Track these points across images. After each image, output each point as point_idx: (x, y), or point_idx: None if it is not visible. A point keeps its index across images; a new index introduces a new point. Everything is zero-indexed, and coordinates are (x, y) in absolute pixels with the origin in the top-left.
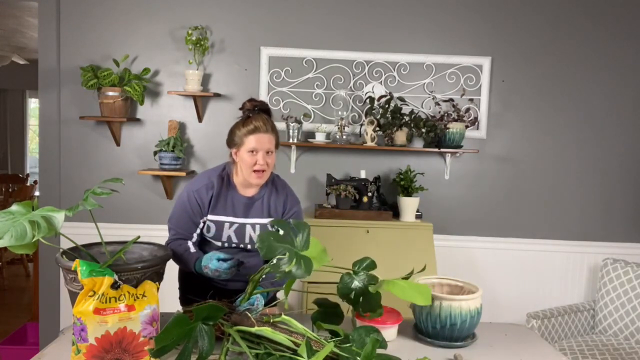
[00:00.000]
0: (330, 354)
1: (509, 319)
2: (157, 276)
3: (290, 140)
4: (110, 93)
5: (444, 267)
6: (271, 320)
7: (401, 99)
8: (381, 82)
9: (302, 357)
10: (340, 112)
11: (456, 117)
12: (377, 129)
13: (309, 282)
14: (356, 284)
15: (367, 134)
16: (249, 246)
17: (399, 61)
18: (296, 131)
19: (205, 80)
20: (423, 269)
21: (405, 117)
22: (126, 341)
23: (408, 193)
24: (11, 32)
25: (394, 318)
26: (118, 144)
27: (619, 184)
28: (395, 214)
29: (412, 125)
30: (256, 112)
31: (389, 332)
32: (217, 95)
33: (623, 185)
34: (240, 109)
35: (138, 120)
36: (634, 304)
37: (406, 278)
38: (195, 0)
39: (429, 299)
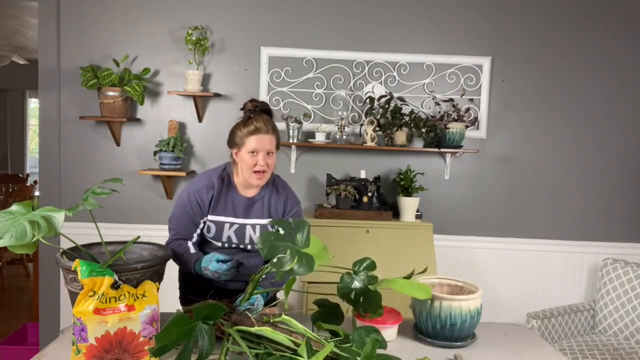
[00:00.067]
0: (330, 354)
1: (509, 319)
2: (157, 276)
3: (290, 140)
4: (110, 93)
5: (444, 267)
6: (271, 320)
7: (401, 99)
8: (381, 82)
9: (302, 357)
10: (340, 112)
11: (456, 117)
12: (377, 129)
13: (309, 282)
14: (356, 284)
15: (367, 134)
16: (249, 247)
17: (399, 61)
18: (296, 131)
19: (205, 80)
20: (424, 271)
21: (405, 117)
22: (126, 341)
23: (408, 193)
24: (11, 32)
25: (394, 318)
26: (118, 144)
27: (619, 184)
28: (395, 214)
29: (412, 125)
30: (257, 113)
31: (389, 332)
32: (217, 95)
33: (623, 185)
34: (242, 109)
35: (138, 120)
36: (634, 304)
37: (407, 278)
38: (195, 0)
39: (429, 293)
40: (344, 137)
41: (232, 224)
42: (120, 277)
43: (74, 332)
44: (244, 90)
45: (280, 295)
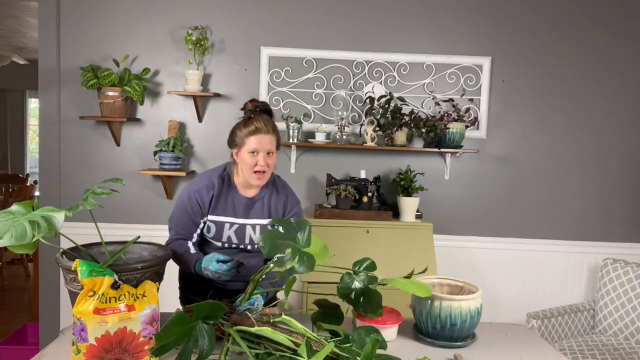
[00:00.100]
0: (330, 354)
1: (509, 319)
2: (157, 276)
3: (290, 140)
4: (110, 93)
5: (444, 267)
6: (271, 320)
7: (401, 99)
8: (381, 82)
9: (302, 357)
10: (340, 112)
11: (456, 117)
12: (377, 129)
13: (309, 282)
14: (356, 284)
15: (367, 134)
16: (249, 247)
17: (399, 61)
18: (296, 131)
19: (205, 80)
20: (424, 271)
21: (405, 117)
22: (126, 341)
23: (408, 193)
24: (11, 32)
25: (394, 318)
26: (118, 144)
27: (619, 184)
28: (395, 214)
29: (412, 125)
30: (257, 113)
31: (389, 332)
32: (217, 95)
33: (623, 186)
34: (242, 109)
35: (138, 120)
36: (634, 304)
37: (407, 278)
38: (195, 0)
39: (428, 291)
40: (344, 137)
41: (232, 224)
42: (120, 277)
43: (74, 332)
44: (244, 90)
45: (281, 295)
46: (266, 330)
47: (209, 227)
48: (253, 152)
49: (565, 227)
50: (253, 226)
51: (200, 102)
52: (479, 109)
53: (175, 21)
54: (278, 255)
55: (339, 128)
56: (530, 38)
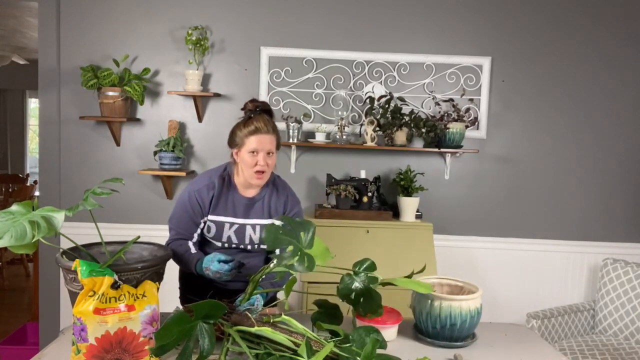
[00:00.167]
0: (330, 354)
1: (509, 319)
2: (157, 276)
3: (290, 140)
4: (110, 93)
5: (444, 267)
6: (271, 320)
7: (401, 99)
8: (381, 82)
9: (302, 357)
10: (340, 112)
11: (456, 117)
12: (377, 129)
13: (309, 282)
14: (356, 284)
15: (367, 134)
16: (249, 247)
17: (399, 61)
18: (296, 131)
19: (205, 80)
20: (422, 270)
21: (405, 117)
22: (126, 341)
23: (408, 193)
24: (11, 32)
25: (394, 318)
26: (118, 144)
27: (618, 184)
28: (395, 214)
29: (412, 125)
30: (258, 113)
31: (389, 332)
32: (217, 95)
33: (623, 185)
34: (242, 109)
35: (138, 120)
36: (634, 304)
37: (406, 278)
38: (195, 0)
39: (429, 288)
40: (344, 137)
41: (232, 224)
42: (120, 277)
43: (74, 332)
44: (244, 90)
45: (281, 295)
46: (266, 330)
47: (209, 227)
48: (253, 152)
49: (565, 227)
50: (253, 226)
51: (200, 102)
52: (479, 109)
53: (175, 21)
54: (279, 250)
55: (339, 128)
56: (530, 38)
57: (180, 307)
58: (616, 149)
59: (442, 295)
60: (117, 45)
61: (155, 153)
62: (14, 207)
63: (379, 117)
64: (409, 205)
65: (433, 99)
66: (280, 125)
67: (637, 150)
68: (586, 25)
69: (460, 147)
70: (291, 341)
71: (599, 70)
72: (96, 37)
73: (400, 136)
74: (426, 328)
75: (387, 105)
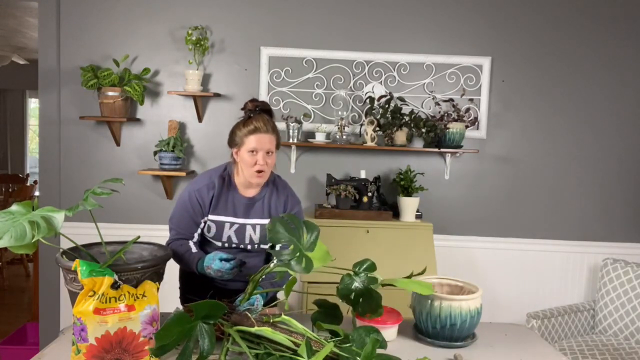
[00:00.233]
0: (330, 354)
1: (509, 319)
2: (157, 276)
3: (290, 140)
4: (110, 93)
5: (444, 267)
6: (271, 320)
7: (401, 99)
8: (381, 82)
9: (302, 357)
10: (340, 112)
11: (456, 117)
12: (377, 129)
13: (309, 282)
14: (356, 285)
15: (367, 134)
16: (249, 247)
17: (399, 61)
18: (296, 131)
19: (205, 80)
20: (423, 271)
21: (405, 117)
22: (126, 341)
23: (408, 193)
24: (11, 32)
25: (394, 318)
26: (118, 144)
27: (618, 184)
28: (395, 214)
29: (412, 125)
30: (257, 113)
31: (389, 332)
32: (217, 95)
33: (623, 185)
34: (242, 109)
35: (138, 120)
36: (634, 304)
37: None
38: (195, 0)
39: (430, 289)
40: (344, 137)
41: (232, 223)
42: (120, 277)
43: (74, 332)
44: (244, 90)
45: (281, 295)
46: (266, 330)
47: (209, 227)
48: (252, 151)
49: (565, 227)
50: (253, 226)
51: (200, 102)
52: (479, 109)
53: (175, 21)
54: (279, 247)
55: (339, 128)
56: (530, 38)
57: (181, 307)
58: (616, 149)
59: (442, 295)
60: (117, 45)
61: (155, 153)
62: (14, 207)
63: (379, 117)
64: (409, 205)
65: (433, 99)
66: (280, 125)
67: (637, 150)
68: (586, 25)
69: (460, 147)
70: (291, 341)
71: (599, 70)
72: (96, 37)
73: (400, 136)
74: (426, 328)
75: (387, 105)
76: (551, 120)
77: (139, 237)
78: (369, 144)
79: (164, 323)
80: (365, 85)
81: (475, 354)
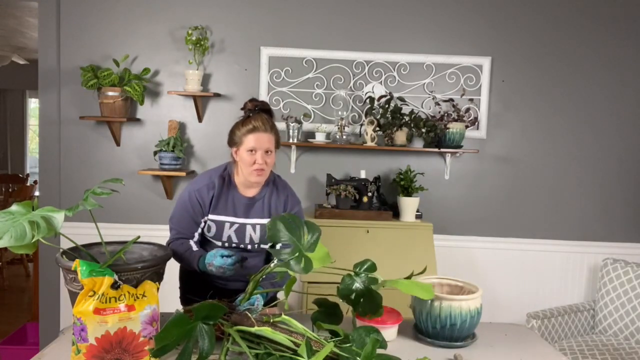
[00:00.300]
0: (330, 354)
1: (509, 319)
2: (157, 276)
3: (290, 140)
4: (110, 93)
5: (444, 267)
6: (271, 320)
7: (401, 99)
8: (381, 82)
9: (302, 357)
10: (340, 112)
11: (456, 117)
12: (377, 129)
13: (309, 282)
14: (357, 285)
15: (367, 134)
16: (249, 246)
17: (399, 61)
18: (296, 131)
19: (205, 80)
20: (423, 271)
21: (405, 117)
22: (126, 341)
23: (408, 193)
24: (11, 32)
25: (394, 318)
26: (118, 144)
27: (618, 184)
28: (395, 214)
29: (412, 125)
30: (257, 112)
31: (389, 332)
32: (217, 95)
33: (623, 185)
34: (242, 109)
35: (138, 120)
36: (634, 304)
37: (406, 279)
38: (195, 0)
39: (431, 293)
40: (344, 137)
41: (232, 223)
42: (120, 277)
43: (74, 332)
44: (244, 90)
45: (281, 295)
46: (266, 330)
47: (209, 227)
48: (251, 151)
49: (565, 227)
50: (253, 226)
51: (200, 102)
52: (479, 109)
53: (175, 21)
54: (279, 246)
55: (339, 128)
56: (530, 38)
57: (181, 307)
58: (616, 149)
59: (442, 295)
60: (117, 45)
61: (155, 153)
62: (14, 207)
63: (379, 117)
64: (409, 205)
65: (433, 99)
66: (280, 125)
67: (637, 150)
68: (586, 25)
69: (460, 147)
70: (291, 341)
71: (599, 70)
72: (96, 37)
73: (400, 136)
74: (426, 328)
75: (387, 105)
76: (551, 120)
77: (139, 237)
78: (369, 144)
79: (164, 325)
80: (365, 85)
81: (475, 354)
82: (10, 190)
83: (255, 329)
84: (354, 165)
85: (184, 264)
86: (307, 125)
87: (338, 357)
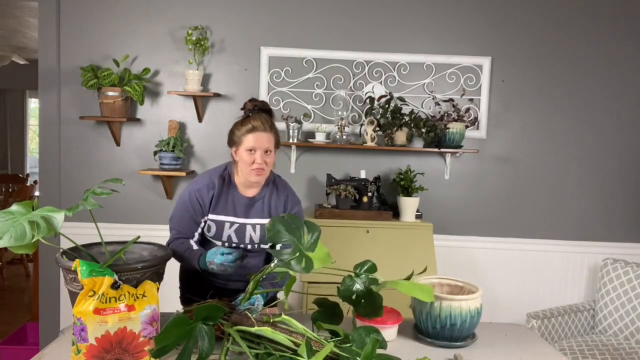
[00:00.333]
0: (330, 354)
1: (509, 319)
2: (157, 276)
3: (290, 140)
4: (110, 93)
5: (444, 267)
6: (271, 320)
7: (401, 99)
8: (381, 82)
9: (302, 357)
10: (340, 112)
11: (456, 117)
12: (377, 129)
13: (309, 282)
14: (358, 286)
15: (367, 134)
16: (249, 246)
17: (399, 61)
18: (296, 131)
19: (205, 80)
20: (424, 271)
21: (405, 117)
22: (126, 341)
23: (408, 193)
24: (11, 32)
25: (394, 318)
26: (118, 144)
27: (618, 184)
28: (395, 214)
29: (412, 125)
30: (256, 112)
31: (389, 332)
32: (217, 95)
33: (623, 185)
34: (242, 109)
35: (138, 120)
36: (634, 304)
37: (407, 279)
38: (195, 0)
39: (432, 296)
40: (344, 137)
41: (232, 223)
42: (120, 277)
43: (74, 332)
44: (244, 90)
45: (281, 295)
46: (266, 330)
47: (209, 227)
48: (251, 150)
49: (565, 227)
50: (253, 226)
51: (200, 102)
52: (479, 109)
53: (175, 21)
54: (279, 247)
55: (339, 128)
56: (530, 38)
57: (181, 307)
58: (616, 149)
59: (442, 295)
60: (117, 45)
61: (155, 153)
62: (14, 207)
63: (379, 117)
64: (409, 205)
65: (433, 99)
66: (280, 125)
67: (637, 150)
68: (586, 25)
69: (460, 147)
70: (291, 341)
71: (599, 70)
72: (96, 37)
73: (400, 136)
74: (426, 328)
75: (387, 105)
76: (551, 120)
77: (139, 237)
78: (369, 144)
79: (164, 325)
80: (365, 85)
81: (475, 354)
82: (10, 190)
83: (255, 329)
84: (354, 165)
85: (184, 264)
86: (307, 125)
87: (338, 357)
